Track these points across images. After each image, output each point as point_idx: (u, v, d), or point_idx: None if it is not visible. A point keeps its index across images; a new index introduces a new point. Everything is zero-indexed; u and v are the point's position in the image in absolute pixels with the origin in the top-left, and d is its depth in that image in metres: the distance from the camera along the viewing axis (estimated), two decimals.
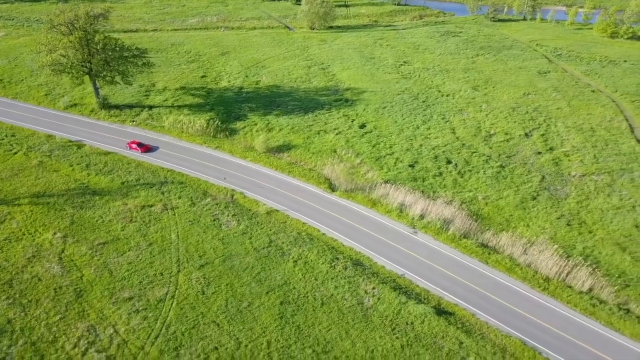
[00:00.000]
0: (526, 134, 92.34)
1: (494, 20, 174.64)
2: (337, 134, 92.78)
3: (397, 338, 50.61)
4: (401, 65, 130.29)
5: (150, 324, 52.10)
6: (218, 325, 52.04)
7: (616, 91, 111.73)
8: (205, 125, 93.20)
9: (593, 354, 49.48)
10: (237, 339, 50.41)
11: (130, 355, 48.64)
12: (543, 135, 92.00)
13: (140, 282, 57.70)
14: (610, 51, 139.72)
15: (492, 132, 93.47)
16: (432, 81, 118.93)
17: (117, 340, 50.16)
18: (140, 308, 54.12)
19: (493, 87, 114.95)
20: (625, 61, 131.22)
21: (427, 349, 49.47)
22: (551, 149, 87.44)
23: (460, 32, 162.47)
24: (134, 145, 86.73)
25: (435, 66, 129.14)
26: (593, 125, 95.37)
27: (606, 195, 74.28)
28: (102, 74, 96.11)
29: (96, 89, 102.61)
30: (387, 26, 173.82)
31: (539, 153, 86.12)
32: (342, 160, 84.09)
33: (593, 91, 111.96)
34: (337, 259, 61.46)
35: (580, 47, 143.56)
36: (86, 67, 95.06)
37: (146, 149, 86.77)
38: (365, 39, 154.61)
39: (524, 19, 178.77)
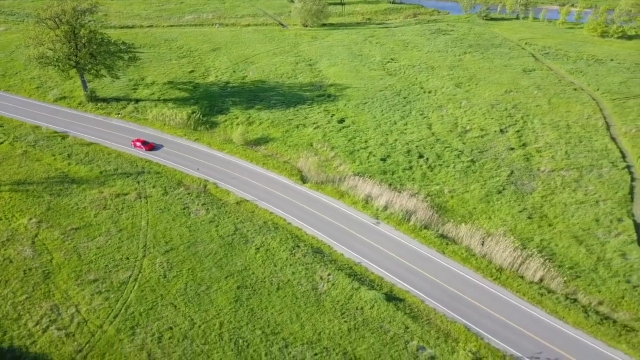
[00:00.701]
0: (501, 130, 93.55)
1: (486, 19, 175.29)
2: (315, 128, 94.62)
3: (345, 321, 52.46)
4: (388, 62, 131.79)
5: (110, 305, 54.40)
6: (175, 307, 54.22)
7: (598, 89, 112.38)
8: (186, 118, 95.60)
9: (533, 340, 50.95)
10: (192, 319, 52.55)
11: (88, 333, 50.92)
12: (518, 131, 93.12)
13: (106, 265, 60.06)
14: (598, 50, 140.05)
15: (468, 128, 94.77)
16: (416, 78, 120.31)
17: (78, 319, 52.50)
18: (104, 290, 56.44)
19: (476, 84, 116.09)
20: (612, 60, 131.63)
21: (373, 332, 51.25)
22: (524, 144, 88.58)
23: (452, 30, 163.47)
24: (138, 144, 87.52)
25: (422, 63, 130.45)
26: (569, 123, 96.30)
27: (572, 190, 75.40)
28: (87, 67, 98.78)
29: (84, 82, 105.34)
30: (379, 24, 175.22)
31: (512, 149, 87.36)
32: (317, 153, 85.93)
33: (575, 89, 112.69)
34: (298, 246, 63.41)
35: (569, 46, 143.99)
36: (72, 60, 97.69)
37: (150, 147, 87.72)
38: (355, 36, 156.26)
39: (517, 18, 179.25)
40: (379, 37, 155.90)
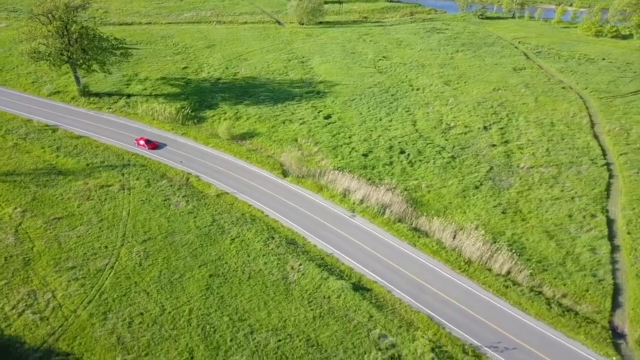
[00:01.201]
0: (485, 127, 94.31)
1: (482, 18, 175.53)
2: (301, 124, 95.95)
3: (312, 310, 53.80)
4: (380, 60, 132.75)
5: (86, 291, 56.14)
6: (148, 293, 55.84)
7: (586, 88, 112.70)
8: (175, 113, 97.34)
9: (493, 330, 52.01)
10: (163, 306, 54.15)
11: (62, 317, 52.69)
12: (502, 129, 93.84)
13: (84, 253, 61.86)
14: (591, 49, 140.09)
15: (452, 124, 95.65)
16: (406, 76, 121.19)
17: (53, 304, 54.29)
18: (80, 276, 58.21)
19: (465, 82, 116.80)
20: (603, 59, 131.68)
21: (337, 320, 52.55)
22: (506, 141, 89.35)
23: (447, 29, 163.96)
24: (141, 142, 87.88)
25: (413, 61, 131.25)
26: (554, 121, 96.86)
27: (549, 187, 76.13)
28: (79, 63, 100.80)
29: (77, 77, 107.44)
30: (375, 22, 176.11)
31: (493, 145, 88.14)
32: (301, 148, 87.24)
33: (563, 88, 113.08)
34: (273, 238, 64.82)
35: (562, 45, 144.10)
36: (65, 55, 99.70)
37: (153, 146, 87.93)
38: (350, 34, 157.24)
39: (513, 17, 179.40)
40: (373, 35, 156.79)
